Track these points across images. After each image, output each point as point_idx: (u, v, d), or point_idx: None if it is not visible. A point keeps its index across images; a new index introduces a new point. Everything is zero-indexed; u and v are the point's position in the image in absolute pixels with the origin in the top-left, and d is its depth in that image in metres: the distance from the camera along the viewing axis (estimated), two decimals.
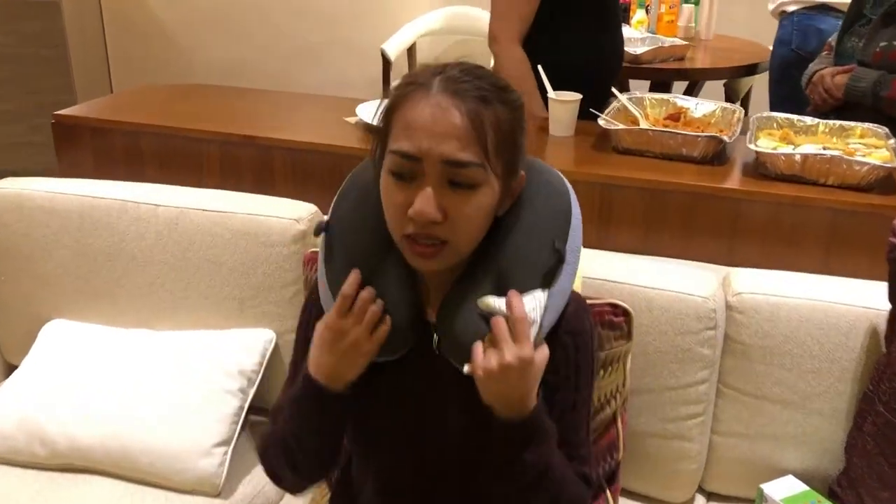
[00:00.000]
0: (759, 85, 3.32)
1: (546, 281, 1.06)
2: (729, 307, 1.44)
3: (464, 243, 1.04)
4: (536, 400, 1.04)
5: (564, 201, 1.11)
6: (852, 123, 1.82)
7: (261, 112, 2.13)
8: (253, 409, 1.62)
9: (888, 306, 1.35)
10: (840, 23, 2.24)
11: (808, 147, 1.70)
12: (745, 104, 3.66)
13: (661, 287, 1.41)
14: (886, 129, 1.77)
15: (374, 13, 4.24)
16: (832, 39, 2.28)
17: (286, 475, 1.18)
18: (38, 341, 1.72)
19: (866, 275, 1.49)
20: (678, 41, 3.19)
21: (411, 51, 4.20)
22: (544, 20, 2.11)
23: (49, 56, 3.96)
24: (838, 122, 1.84)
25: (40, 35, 3.92)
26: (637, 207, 1.71)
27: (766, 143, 1.74)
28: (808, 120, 1.86)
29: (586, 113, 1.92)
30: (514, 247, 1.07)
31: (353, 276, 1.08)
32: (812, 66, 2.27)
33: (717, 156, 1.78)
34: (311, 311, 1.19)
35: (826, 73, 2.14)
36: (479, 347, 1.02)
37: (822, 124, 1.84)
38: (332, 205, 1.16)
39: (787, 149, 1.70)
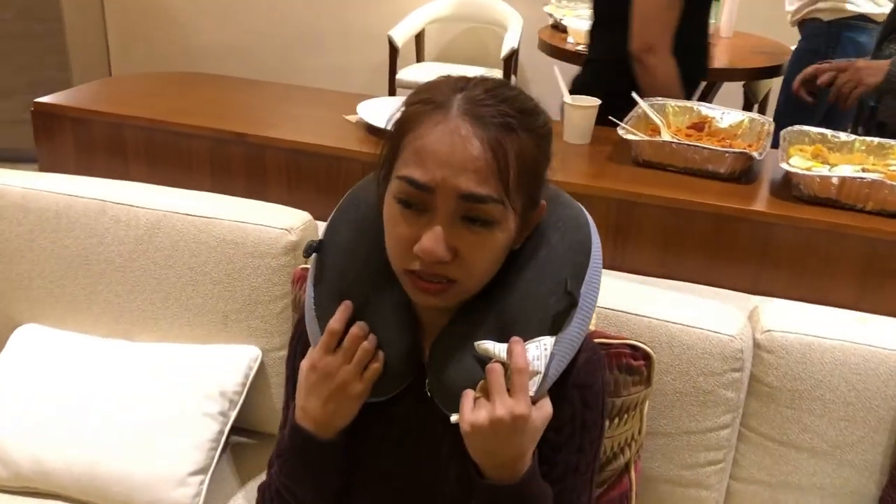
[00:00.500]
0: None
1: (555, 326, 0.94)
2: (757, 345, 1.31)
3: (474, 283, 0.93)
4: (531, 461, 0.93)
5: (583, 237, 0.99)
6: (892, 142, 1.69)
7: (255, 106, 2.00)
8: (235, 429, 1.51)
9: None
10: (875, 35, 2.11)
11: (846, 168, 1.57)
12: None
13: (684, 322, 1.29)
14: None
15: None
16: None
17: None
18: (8, 347, 1.61)
19: None
20: None
21: (419, 38, 4.08)
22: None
23: (42, 31, 3.83)
24: (876, 140, 1.71)
25: (33, 9, 3.79)
26: (656, 226, 1.59)
27: (799, 162, 1.61)
28: (843, 136, 1.73)
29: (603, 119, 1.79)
30: (524, 284, 0.95)
31: (343, 310, 0.97)
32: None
33: (744, 173, 1.65)
34: (299, 343, 1.08)
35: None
36: (468, 397, 0.91)
37: (859, 141, 1.71)
38: (328, 222, 1.05)
39: (823, 170, 1.57)
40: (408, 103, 0.92)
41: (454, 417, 0.92)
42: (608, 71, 2.06)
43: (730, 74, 3.02)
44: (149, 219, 1.55)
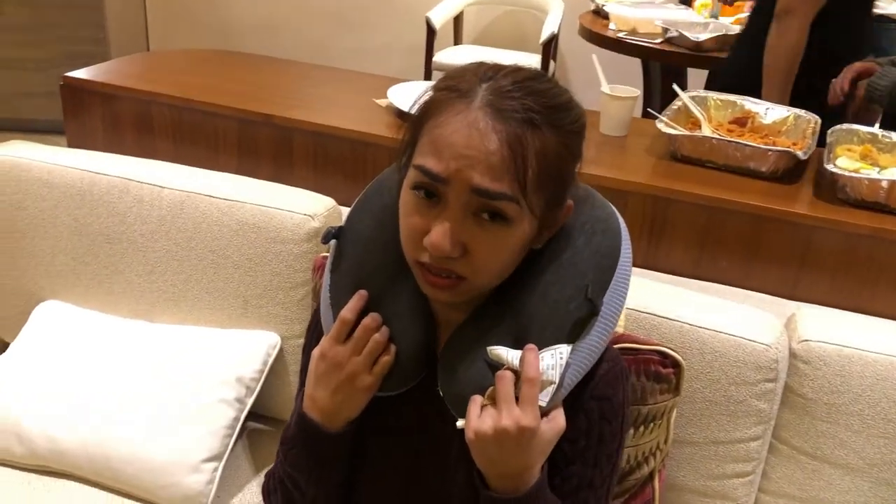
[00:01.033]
0: None
1: (574, 334, 0.89)
2: (793, 355, 1.25)
3: (484, 281, 0.89)
4: (540, 474, 0.88)
5: (612, 241, 0.93)
6: None
7: (284, 87, 1.96)
8: (252, 415, 1.48)
9: None
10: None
11: None
12: None
13: (717, 328, 1.23)
14: None
15: None
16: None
17: None
18: (30, 322, 1.60)
19: None
20: None
21: (458, 20, 4.01)
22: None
23: (81, 3, 3.83)
24: None
25: None
26: (692, 225, 1.52)
27: (846, 164, 1.54)
28: (895, 136, 1.65)
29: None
30: (543, 286, 0.91)
31: (356, 299, 0.94)
32: None
33: (787, 173, 1.58)
34: (314, 333, 1.05)
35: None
36: (476, 403, 0.88)
37: None
38: (351, 209, 1.01)
39: (872, 172, 1.49)
40: (435, 88, 0.88)
41: (461, 423, 0.88)
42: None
43: None
44: (172, 199, 1.53)
